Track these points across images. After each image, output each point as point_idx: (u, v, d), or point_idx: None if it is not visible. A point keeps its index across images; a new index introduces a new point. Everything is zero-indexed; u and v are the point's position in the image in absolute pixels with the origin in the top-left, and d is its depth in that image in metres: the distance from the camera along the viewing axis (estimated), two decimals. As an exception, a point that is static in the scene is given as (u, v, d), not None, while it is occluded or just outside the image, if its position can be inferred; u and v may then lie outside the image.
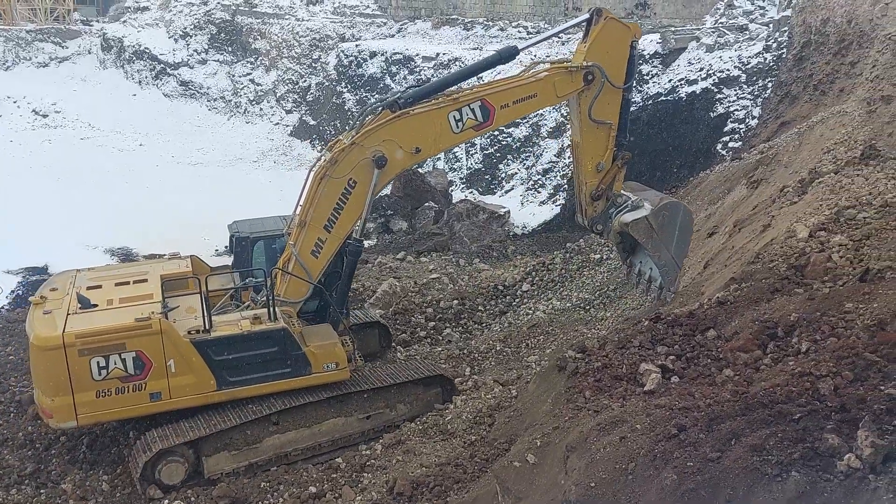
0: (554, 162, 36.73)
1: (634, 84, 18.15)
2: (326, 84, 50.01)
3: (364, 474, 14.57)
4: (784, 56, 29.40)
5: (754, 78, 30.55)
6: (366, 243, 18.93)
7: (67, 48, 60.18)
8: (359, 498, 13.81)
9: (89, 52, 60.35)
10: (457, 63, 41.65)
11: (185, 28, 58.72)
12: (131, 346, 14.36)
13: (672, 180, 29.61)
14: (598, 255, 23.05)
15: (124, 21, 62.84)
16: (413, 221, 33.23)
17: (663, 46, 34.49)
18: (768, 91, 29.37)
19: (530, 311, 21.63)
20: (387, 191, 32.37)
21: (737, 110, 30.15)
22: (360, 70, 47.40)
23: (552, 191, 35.79)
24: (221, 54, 57.22)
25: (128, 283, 16.25)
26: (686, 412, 10.15)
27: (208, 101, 55.43)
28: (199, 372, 14.89)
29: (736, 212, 20.40)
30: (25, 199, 36.83)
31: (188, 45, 57.92)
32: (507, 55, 16.59)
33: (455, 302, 22.47)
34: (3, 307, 25.86)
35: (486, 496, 11.78)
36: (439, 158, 39.02)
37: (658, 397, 11.09)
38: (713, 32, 34.08)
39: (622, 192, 17.57)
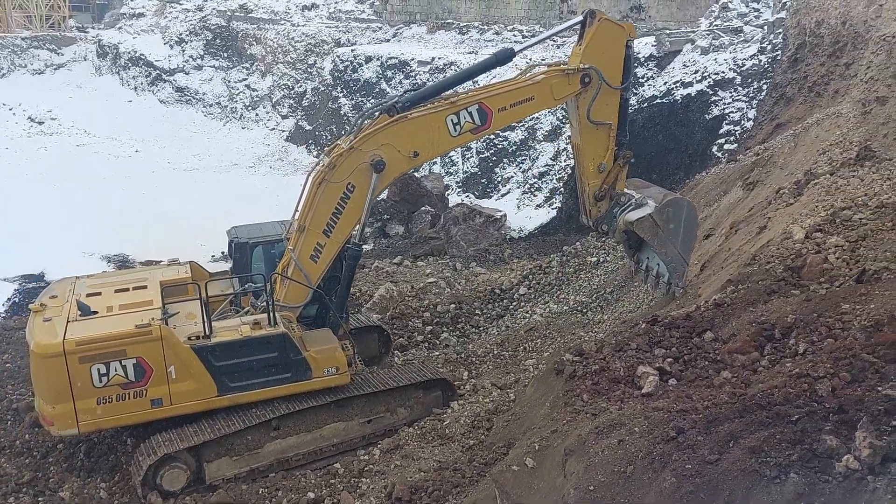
0: (550, 165, 36.77)
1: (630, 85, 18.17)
2: (322, 89, 50.02)
3: (362, 479, 14.54)
4: (779, 58, 29.46)
5: (749, 80, 30.60)
6: (364, 247, 18.93)
7: (63, 55, 60.22)
8: (357, 503, 13.79)
9: (85, 59, 60.43)
10: (452, 67, 41.69)
11: (181, 34, 58.76)
12: (132, 353, 14.33)
13: (668, 183, 29.57)
14: (595, 258, 23.05)
15: (120, 27, 62.88)
16: (410, 226, 33.23)
17: (658, 49, 34.56)
18: (763, 93, 29.43)
19: (527, 315, 21.63)
20: (383, 195, 32.32)
21: (732, 112, 30.20)
22: (356, 75, 47.43)
23: (548, 194, 35.82)
24: (217, 60, 57.26)
25: (127, 289, 16.22)
26: (684, 414, 10.15)
27: (204, 106, 55.45)
28: (200, 378, 14.86)
29: (732, 213, 20.41)
30: (21, 207, 36.80)
31: (184, 51, 57.96)
32: (504, 57, 16.60)
33: (452, 306, 22.47)
34: (-1, 315, 25.83)
35: (484, 500, 11.75)
36: (435, 163, 39.05)
37: (656, 400, 11.09)
38: (708, 35, 34.15)
39: (625, 190, 17.59)
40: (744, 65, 31.23)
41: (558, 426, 11.68)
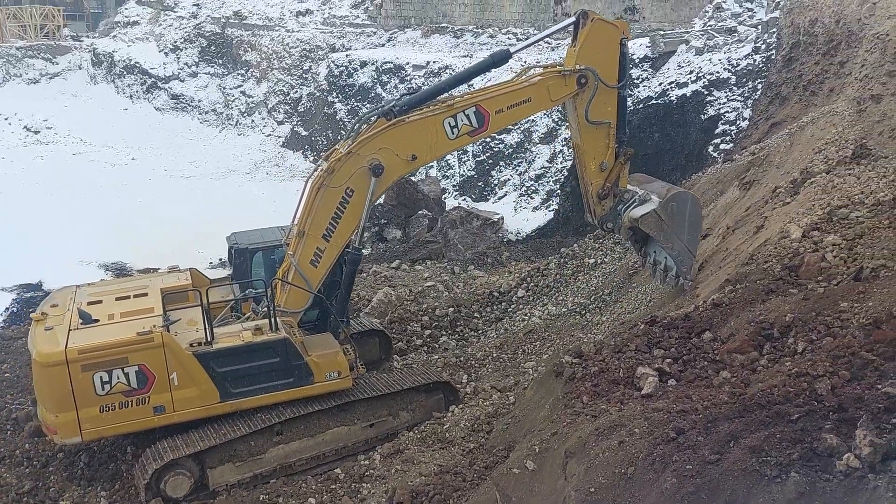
0: (546, 167, 36.76)
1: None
2: (317, 94, 50.01)
3: (363, 484, 14.54)
4: (773, 57, 29.49)
5: (744, 80, 30.63)
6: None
7: (58, 64, 60.18)
8: (358, 508, 13.81)
9: (80, 68, 60.38)
10: (447, 71, 41.68)
11: (176, 42, 58.74)
12: (134, 360, 14.37)
13: (665, 183, 29.65)
14: (593, 260, 23.05)
15: (114, 36, 62.83)
16: (407, 230, 33.23)
17: (653, 50, 34.58)
18: (758, 92, 29.45)
19: (526, 317, 21.62)
20: (380, 200, 32.34)
21: (727, 112, 30.21)
22: (351, 80, 47.41)
23: (545, 196, 35.81)
24: (212, 67, 57.25)
25: (128, 297, 16.27)
26: (684, 415, 10.15)
27: (200, 113, 55.42)
28: (202, 384, 14.90)
29: (729, 213, 20.42)
30: (18, 216, 36.79)
31: (178, 58, 57.94)
32: (500, 59, 16.64)
33: (451, 309, 22.46)
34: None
35: (485, 504, 11.77)
36: (432, 166, 39.03)
37: (656, 401, 11.09)
38: (702, 35, 34.18)
39: (628, 186, 17.64)
40: (738, 65, 31.26)
41: (558, 428, 11.67)
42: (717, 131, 30.00)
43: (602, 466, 9.92)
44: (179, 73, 57.33)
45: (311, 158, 46.79)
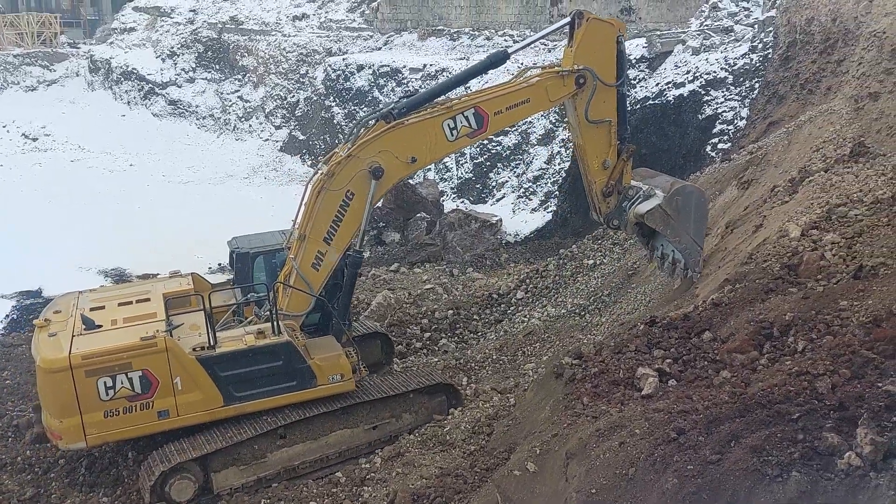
0: (544, 169, 36.78)
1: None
2: (315, 99, 50.02)
3: (364, 488, 14.53)
4: (770, 56, 29.49)
5: (741, 79, 30.62)
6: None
7: (55, 71, 60.19)
8: (360, 512, 13.80)
9: (77, 75, 60.37)
10: (444, 73, 41.72)
11: (172, 47, 58.75)
12: (137, 366, 14.38)
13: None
14: (592, 261, 23.05)
15: (111, 42, 62.87)
16: (405, 233, 33.21)
17: (649, 50, 34.59)
18: (755, 91, 29.44)
19: (525, 319, 21.62)
20: (378, 203, 32.34)
21: (725, 112, 30.21)
22: (348, 84, 47.43)
23: (543, 198, 35.82)
24: (209, 72, 57.25)
25: (130, 302, 16.29)
26: (685, 415, 10.15)
27: (197, 119, 55.42)
28: (206, 388, 14.91)
29: (727, 213, 20.43)
30: (17, 223, 36.74)
31: (175, 64, 57.94)
32: (498, 59, 16.66)
33: (450, 312, 22.46)
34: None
35: (487, 506, 11.76)
36: (430, 169, 39.04)
37: (656, 401, 11.09)
38: (699, 35, 34.18)
39: (632, 182, 17.67)
40: (735, 64, 31.25)
41: (559, 430, 11.67)
42: (714, 131, 30.00)
43: (603, 467, 9.92)
44: (176, 78, 57.32)
45: (309, 162, 46.83)
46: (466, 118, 15.84)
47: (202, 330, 15.19)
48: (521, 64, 32.35)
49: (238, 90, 55.41)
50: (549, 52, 38.42)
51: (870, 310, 11.17)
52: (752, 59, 30.80)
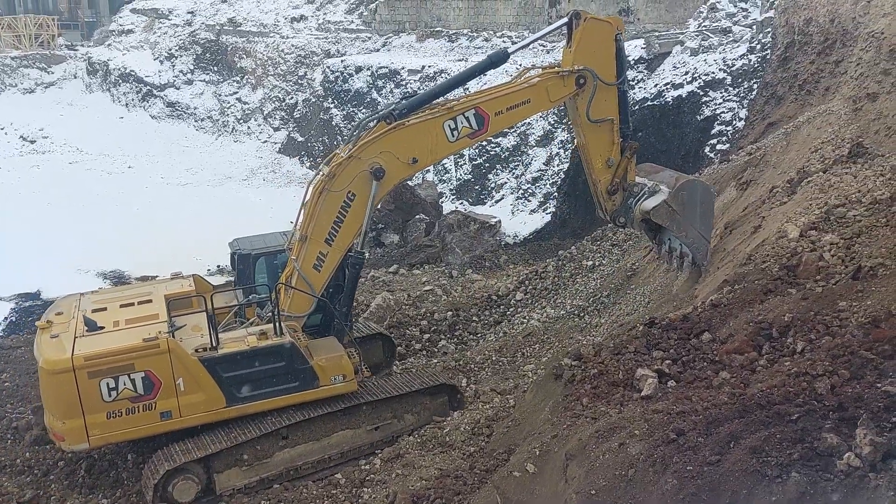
0: (543, 170, 36.81)
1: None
2: (313, 100, 50.02)
3: (364, 489, 14.53)
4: (768, 57, 29.51)
5: (740, 80, 30.65)
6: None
7: (53, 73, 60.14)
8: (359, 513, 13.80)
9: (75, 77, 60.33)
10: (442, 75, 41.72)
11: (170, 49, 58.71)
12: (140, 367, 14.41)
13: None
14: (591, 262, 23.05)
15: (109, 45, 62.80)
16: (404, 234, 33.20)
17: (648, 51, 34.61)
18: (754, 92, 29.46)
19: (525, 320, 21.61)
20: (378, 205, 32.37)
21: (723, 112, 30.23)
22: (347, 85, 47.44)
23: (542, 199, 35.85)
24: (207, 74, 57.21)
25: (132, 304, 16.33)
26: (684, 416, 10.15)
27: (196, 121, 55.37)
28: (209, 389, 14.95)
29: (726, 214, 20.43)
30: (16, 226, 36.68)
31: (174, 66, 57.90)
32: (498, 59, 16.69)
33: (449, 313, 22.46)
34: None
35: (486, 507, 11.76)
36: (429, 170, 39.05)
37: (655, 402, 11.10)
38: (697, 36, 34.22)
39: (637, 178, 17.71)
40: (734, 65, 31.27)
41: (558, 431, 11.68)
42: (713, 132, 30.02)
43: (603, 468, 9.93)
44: (175, 80, 57.28)
45: (308, 164, 46.84)
46: (467, 119, 15.87)
47: (204, 331, 15.24)
48: (520, 65, 32.36)
49: (236, 92, 55.38)
50: (548, 53, 38.45)
51: (869, 310, 11.18)
52: (750, 60, 30.82)
